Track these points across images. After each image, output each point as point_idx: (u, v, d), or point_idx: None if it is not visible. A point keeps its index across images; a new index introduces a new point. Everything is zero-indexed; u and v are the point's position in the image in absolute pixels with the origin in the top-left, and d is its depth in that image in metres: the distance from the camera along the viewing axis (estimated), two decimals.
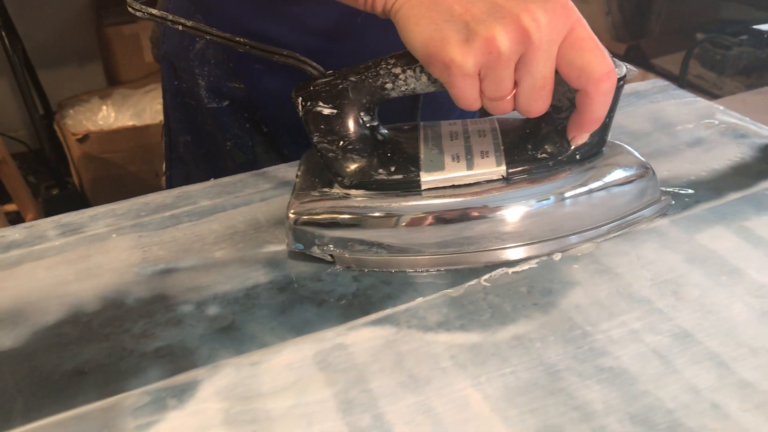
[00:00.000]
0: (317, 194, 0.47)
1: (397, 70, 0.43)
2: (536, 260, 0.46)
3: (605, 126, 0.46)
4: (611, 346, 0.39)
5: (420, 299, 0.44)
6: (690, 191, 0.52)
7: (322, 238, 0.46)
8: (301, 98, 0.46)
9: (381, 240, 0.46)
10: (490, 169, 0.46)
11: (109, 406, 0.37)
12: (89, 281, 0.47)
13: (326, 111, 0.45)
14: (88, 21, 2.66)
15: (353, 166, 0.47)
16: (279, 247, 0.49)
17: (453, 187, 0.46)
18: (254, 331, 0.42)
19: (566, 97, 0.44)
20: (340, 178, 0.47)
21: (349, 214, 0.46)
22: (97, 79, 2.71)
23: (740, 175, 0.54)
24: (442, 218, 0.45)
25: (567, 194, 0.45)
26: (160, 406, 0.37)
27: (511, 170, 0.46)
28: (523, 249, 0.46)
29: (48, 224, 0.53)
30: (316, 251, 0.46)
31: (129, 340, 0.42)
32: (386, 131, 0.48)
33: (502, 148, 0.47)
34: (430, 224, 0.45)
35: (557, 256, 0.46)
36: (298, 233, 0.46)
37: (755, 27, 0.75)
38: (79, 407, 0.37)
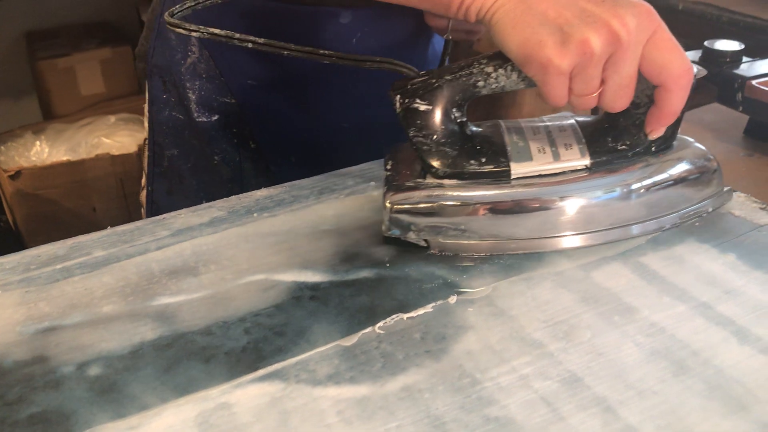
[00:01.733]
0: (412, 184, 0.51)
1: (489, 69, 0.48)
2: (431, 305, 0.45)
3: (678, 120, 0.50)
4: (499, 393, 0.38)
5: (312, 351, 0.42)
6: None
7: (418, 225, 0.50)
8: (399, 96, 0.50)
9: (474, 226, 0.49)
10: (575, 159, 0.50)
11: None
12: None
13: (422, 107, 0.50)
14: (21, 54, 2.60)
15: (446, 158, 0.51)
16: (171, 299, 0.47)
17: (540, 176, 0.50)
18: (136, 392, 0.40)
19: (645, 94, 0.48)
20: (434, 169, 0.51)
21: (444, 201, 0.49)
22: (32, 114, 2.65)
23: None
24: (532, 206, 0.49)
25: (647, 183, 0.49)
26: None
27: (594, 161, 0.50)
28: (605, 234, 0.49)
29: None
30: (411, 236, 0.50)
31: (2, 408, 0.39)
32: (473, 127, 0.52)
33: (584, 140, 0.50)
34: (521, 211, 0.49)
35: (452, 299, 0.46)
36: (394, 220, 0.50)
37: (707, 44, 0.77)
38: None
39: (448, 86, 0.49)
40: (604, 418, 0.37)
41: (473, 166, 0.50)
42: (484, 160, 0.50)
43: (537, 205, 0.49)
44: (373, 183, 0.60)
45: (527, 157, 0.50)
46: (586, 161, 0.50)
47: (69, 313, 0.46)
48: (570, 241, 0.49)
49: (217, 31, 0.49)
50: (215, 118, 0.71)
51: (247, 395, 0.39)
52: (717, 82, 0.69)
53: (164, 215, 0.57)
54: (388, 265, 0.50)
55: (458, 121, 0.51)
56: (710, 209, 0.52)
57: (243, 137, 0.72)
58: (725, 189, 0.53)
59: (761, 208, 0.53)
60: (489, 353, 0.41)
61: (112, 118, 2.40)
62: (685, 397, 0.38)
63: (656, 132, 0.50)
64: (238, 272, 0.50)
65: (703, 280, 0.46)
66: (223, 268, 0.50)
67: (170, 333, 0.44)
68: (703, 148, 0.52)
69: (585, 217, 0.49)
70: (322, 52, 0.49)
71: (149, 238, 0.54)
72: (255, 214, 0.56)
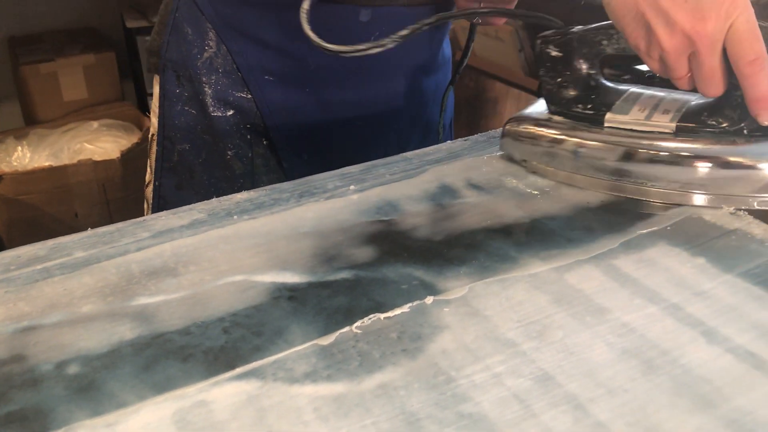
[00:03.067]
0: (528, 114, 0.62)
1: (613, 31, 0.56)
2: (408, 305, 0.46)
3: None
4: (473, 391, 0.39)
5: (289, 350, 0.43)
6: (563, 228, 0.53)
7: (520, 147, 0.62)
8: (539, 41, 0.60)
9: (562, 157, 0.59)
10: (663, 123, 0.56)
11: None
12: None
13: (554, 53, 0.60)
14: (4, 59, 2.59)
15: (561, 98, 0.60)
16: (150, 300, 0.48)
17: (628, 130, 0.57)
18: (114, 390, 0.40)
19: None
20: (549, 106, 0.62)
21: (546, 129, 0.60)
22: (14, 119, 2.64)
23: (611, 213, 0.55)
24: (610, 151, 0.57)
25: (717, 156, 0.53)
26: None
27: (679, 125, 0.55)
28: (670, 194, 0.55)
29: None
30: (516, 156, 0.62)
31: None
32: (603, 80, 0.60)
33: (683, 110, 0.56)
34: (602, 154, 0.57)
35: (429, 300, 0.46)
36: (504, 142, 0.63)
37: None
38: None
39: (578, 40, 0.58)
40: (575, 415, 0.37)
41: (578, 109, 0.59)
42: (589, 106, 0.59)
43: (612, 152, 0.56)
44: (352, 187, 0.61)
45: (625, 112, 0.57)
46: (672, 126, 0.55)
47: (48, 313, 0.47)
48: (637, 190, 0.56)
49: (361, 46, 0.59)
50: (230, 113, 0.73)
51: (224, 393, 0.40)
52: None
53: (144, 218, 0.57)
54: (366, 266, 0.50)
55: (584, 72, 0.59)
56: None
57: (257, 133, 0.74)
58: None
59: (731, 214, 0.54)
60: (464, 352, 0.42)
61: (95, 124, 2.39)
62: (654, 394, 0.38)
63: (761, 117, 0.52)
64: (217, 273, 0.50)
65: (674, 283, 0.47)
66: (203, 270, 0.51)
67: (149, 333, 0.45)
68: None
69: (652, 172, 0.55)
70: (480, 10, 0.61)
71: (129, 240, 0.54)
72: (235, 217, 0.57)
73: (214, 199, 0.60)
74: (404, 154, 0.66)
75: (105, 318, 0.46)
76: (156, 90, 0.77)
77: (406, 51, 0.73)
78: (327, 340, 0.43)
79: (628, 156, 0.56)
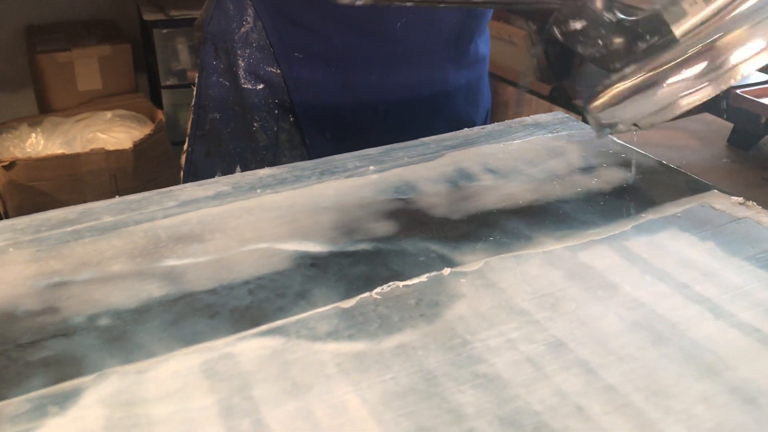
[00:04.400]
0: (600, 88, 0.52)
1: None
2: (426, 275, 0.48)
3: None
4: (488, 353, 0.41)
5: (312, 311, 0.45)
6: (579, 212, 0.55)
7: (624, 115, 0.51)
8: (554, 27, 0.53)
9: (675, 88, 0.49)
10: None
11: None
12: None
13: (579, 25, 0.52)
14: (20, 47, 2.62)
15: (618, 54, 0.51)
16: (177, 262, 0.49)
17: (703, 23, 0.48)
18: (143, 342, 0.42)
19: None
20: (612, 66, 0.52)
21: (643, 75, 0.49)
22: (28, 107, 2.66)
23: (624, 199, 0.57)
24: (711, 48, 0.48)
25: None
26: (41, 413, 0.37)
27: None
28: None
29: None
30: (621, 128, 0.52)
31: (15, 350, 0.41)
32: (623, 15, 0.52)
33: None
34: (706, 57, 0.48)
35: (446, 271, 0.48)
36: (600, 121, 0.52)
37: None
38: None
39: None
40: (586, 378, 0.39)
41: (643, 45, 0.51)
42: (648, 37, 0.51)
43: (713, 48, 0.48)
44: (372, 167, 0.62)
45: (680, 14, 0.49)
46: None
47: (79, 270, 0.49)
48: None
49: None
50: (260, 86, 0.76)
51: (250, 347, 0.42)
52: None
53: (170, 188, 0.59)
54: (385, 239, 0.52)
55: (611, 21, 0.52)
56: None
57: (283, 108, 0.76)
58: None
59: (740, 204, 0.56)
60: (479, 319, 0.44)
61: (108, 114, 2.41)
62: (662, 363, 0.40)
63: None
64: (242, 241, 0.52)
65: (683, 264, 0.49)
66: (228, 237, 0.52)
67: (176, 291, 0.47)
68: None
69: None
70: None
71: (156, 207, 0.56)
72: (258, 191, 0.59)
73: (238, 174, 0.61)
74: (422, 139, 0.68)
75: (134, 277, 0.48)
76: (198, 62, 0.81)
77: (430, 42, 0.75)
78: (348, 304, 0.45)
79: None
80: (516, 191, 0.58)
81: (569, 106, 1.85)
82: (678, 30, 0.50)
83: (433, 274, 0.48)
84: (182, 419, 0.37)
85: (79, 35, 2.56)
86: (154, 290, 0.47)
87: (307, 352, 0.41)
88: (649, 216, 0.54)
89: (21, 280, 0.48)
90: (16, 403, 0.38)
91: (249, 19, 0.75)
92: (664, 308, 0.44)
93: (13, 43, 2.62)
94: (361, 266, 0.49)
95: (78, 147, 2.30)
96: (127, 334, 0.43)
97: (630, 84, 0.50)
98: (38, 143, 2.32)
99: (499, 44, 1.99)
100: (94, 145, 2.31)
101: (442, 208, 0.56)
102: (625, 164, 0.63)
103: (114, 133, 2.37)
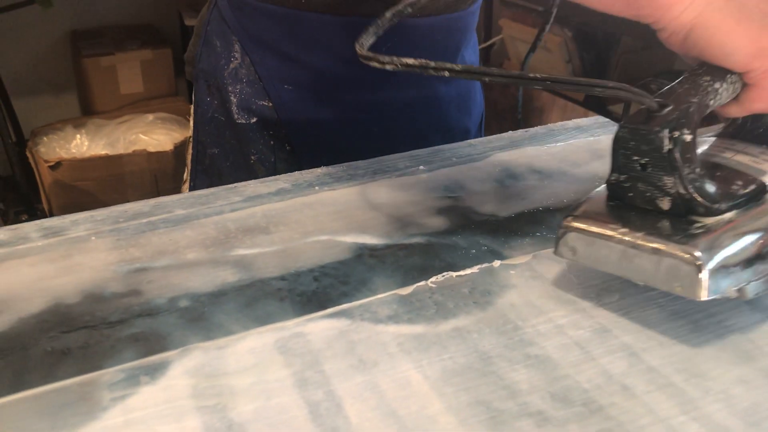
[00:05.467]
0: (697, 231, 0.43)
1: (717, 86, 0.45)
2: (477, 267, 0.51)
3: None
4: (538, 337, 0.44)
5: (373, 297, 0.48)
6: None
7: (737, 275, 0.43)
8: (667, 130, 0.43)
9: None
10: None
11: (86, 382, 0.41)
12: (69, 277, 0.51)
13: (688, 138, 0.43)
14: (65, 51, 2.70)
15: (718, 189, 0.45)
16: (247, 251, 0.54)
17: None
18: (221, 321, 0.46)
19: None
20: (716, 205, 0.44)
21: (757, 236, 0.44)
22: (71, 109, 2.74)
23: None
24: None
25: None
26: (134, 382, 0.41)
27: None
28: None
29: (31, 227, 0.57)
30: (732, 292, 0.43)
31: (106, 327, 0.46)
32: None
33: (763, 146, 0.50)
34: None
35: (496, 264, 0.51)
36: (716, 280, 0.42)
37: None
38: (59, 381, 0.41)
39: (697, 111, 0.44)
40: (630, 360, 0.42)
41: (740, 190, 0.46)
42: (740, 183, 0.46)
43: None
44: (422, 167, 0.66)
45: (760, 171, 0.47)
46: None
47: (157, 258, 0.53)
48: None
49: (411, 61, 0.44)
50: (253, 120, 0.76)
51: (318, 328, 0.45)
52: None
53: (235, 184, 0.63)
54: (437, 234, 0.56)
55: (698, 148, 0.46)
56: None
57: (279, 139, 0.77)
58: None
59: None
60: (529, 307, 0.47)
61: (150, 117, 2.48)
62: (701, 348, 0.43)
63: None
64: (305, 233, 0.56)
65: None
66: (291, 229, 0.56)
67: (248, 277, 0.51)
68: None
69: None
70: (531, 76, 0.42)
71: (224, 202, 0.60)
72: (316, 188, 0.63)
73: (297, 172, 0.65)
74: (469, 141, 0.72)
75: (208, 264, 0.52)
76: (193, 97, 0.83)
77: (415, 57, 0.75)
78: (406, 291, 0.49)
79: None
80: (560, 190, 0.61)
81: (604, 111, 1.87)
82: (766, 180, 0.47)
83: (484, 265, 0.51)
84: (261, 389, 0.41)
85: (122, 40, 2.63)
86: (228, 276, 0.51)
87: (370, 332, 0.45)
88: None
89: (105, 265, 0.52)
90: (111, 373, 0.42)
91: (236, 54, 0.76)
92: (703, 300, 0.47)
93: (58, 48, 2.70)
94: (416, 257, 0.53)
95: (121, 148, 2.37)
96: (205, 315, 0.47)
97: (751, 248, 0.43)
98: (83, 144, 2.39)
99: None
100: (136, 147, 2.38)
101: (490, 205, 0.60)
102: None
103: (155, 135, 2.43)
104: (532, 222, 0.57)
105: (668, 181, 0.44)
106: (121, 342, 0.44)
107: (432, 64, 0.43)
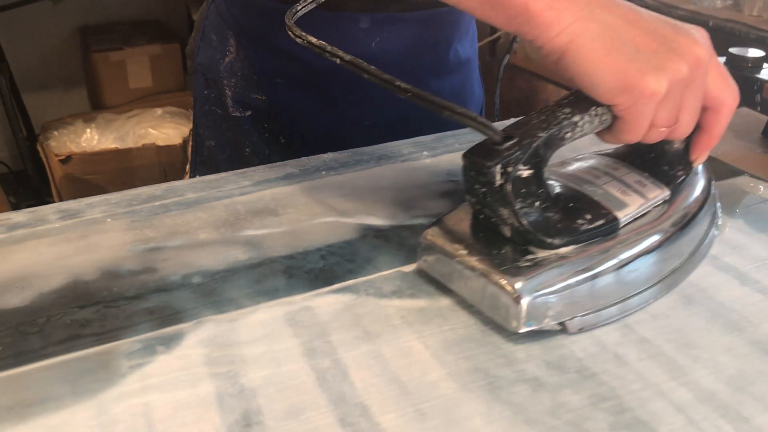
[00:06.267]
0: (527, 264, 0.44)
1: (576, 119, 0.44)
2: None
3: None
4: None
5: (377, 274, 0.50)
6: None
7: (555, 308, 0.43)
8: (499, 165, 0.43)
9: (611, 289, 0.45)
10: (659, 194, 0.49)
11: (105, 351, 0.44)
12: (87, 256, 0.53)
13: (525, 173, 0.43)
14: (75, 47, 2.72)
15: (556, 225, 0.45)
16: (256, 232, 0.56)
17: (637, 219, 0.47)
18: (232, 296, 0.48)
19: None
20: (549, 240, 0.45)
21: (580, 272, 0.44)
22: (81, 104, 2.77)
23: None
24: (657, 248, 0.47)
25: (710, 198, 0.51)
26: (151, 351, 0.44)
27: (672, 191, 0.49)
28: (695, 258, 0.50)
29: (48, 210, 0.59)
30: (549, 324, 0.43)
31: (123, 302, 0.48)
32: (554, 184, 0.49)
33: (646, 174, 0.50)
34: (650, 257, 0.46)
35: None
36: (527, 311, 0.42)
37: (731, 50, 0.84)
38: (79, 351, 0.44)
39: (544, 145, 0.43)
40: (623, 332, 0.44)
41: (585, 226, 0.46)
42: (589, 216, 0.46)
43: (664, 245, 0.47)
44: (425, 152, 0.68)
45: (621, 203, 0.48)
46: (666, 193, 0.49)
47: (170, 238, 0.55)
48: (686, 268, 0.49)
49: (313, 40, 0.48)
50: (248, 113, 0.78)
51: (325, 302, 0.48)
52: (739, 86, 0.76)
53: (244, 170, 0.66)
54: (440, 215, 0.57)
55: (547, 181, 0.46)
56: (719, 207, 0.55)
57: (273, 132, 0.78)
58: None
59: None
60: None
61: (159, 111, 2.51)
62: (691, 320, 0.45)
63: (702, 158, 0.50)
64: (312, 215, 0.58)
65: (715, 239, 0.54)
66: (299, 211, 0.58)
67: (258, 256, 0.53)
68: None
69: (689, 244, 0.49)
70: (398, 83, 0.45)
71: (233, 186, 0.63)
72: (323, 172, 0.65)
73: (304, 158, 0.68)
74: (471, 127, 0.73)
75: (219, 244, 0.54)
76: (193, 91, 0.85)
77: (407, 53, 0.75)
78: (409, 268, 0.51)
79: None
80: None
81: None
82: (621, 218, 0.47)
83: None
84: (271, 358, 0.43)
85: (131, 35, 2.66)
86: (239, 255, 0.53)
87: (374, 306, 0.47)
88: None
89: (121, 245, 0.54)
90: (129, 343, 0.44)
91: (232, 49, 0.77)
92: (694, 275, 0.49)
93: (68, 43, 2.73)
94: (419, 237, 0.54)
95: (130, 142, 2.40)
96: (217, 290, 0.49)
97: (569, 282, 0.44)
98: (92, 138, 2.42)
99: None
100: (146, 141, 2.41)
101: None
102: None
103: (164, 129, 2.46)
104: None
105: (503, 212, 0.44)
106: (137, 315, 0.47)
107: (328, 48, 0.46)
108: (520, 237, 0.45)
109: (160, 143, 2.40)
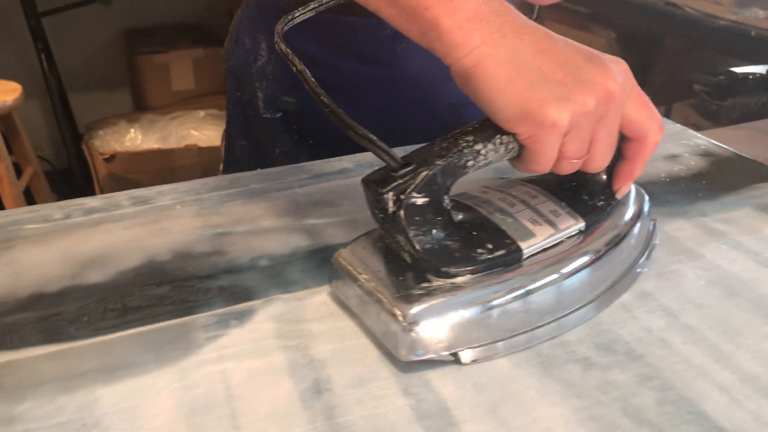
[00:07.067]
0: (421, 292, 0.43)
1: (479, 147, 0.42)
2: None
3: None
4: None
5: None
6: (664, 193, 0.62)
7: (446, 338, 0.42)
8: (392, 192, 0.42)
9: (507, 321, 0.44)
10: (572, 225, 0.47)
11: (183, 323, 0.47)
12: (160, 239, 0.57)
13: (420, 201, 0.42)
14: (120, 49, 2.80)
15: (454, 253, 0.44)
16: (316, 221, 0.59)
17: (545, 250, 0.46)
18: (297, 278, 0.52)
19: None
20: (444, 269, 0.44)
21: (473, 303, 0.43)
22: (124, 105, 2.84)
23: (704, 182, 0.64)
24: (558, 281, 0.45)
25: (636, 231, 0.50)
26: (225, 324, 0.47)
27: (587, 222, 0.48)
28: (615, 290, 0.49)
29: (121, 196, 0.63)
30: (440, 353, 0.43)
31: (196, 280, 0.52)
32: (458, 212, 0.48)
33: (564, 203, 0.49)
34: (549, 290, 0.45)
35: None
36: (416, 340, 0.42)
37: (732, 69, 0.85)
38: (159, 323, 0.47)
39: (441, 173, 0.42)
40: (668, 319, 0.47)
41: (484, 255, 0.44)
42: (490, 246, 0.45)
43: (566, 279, 0.45)
44: None
45: (528, 233, 0.46)
46: (581, 224, 0.48)
47: (237, 224, 0.59)
48: (581, 313, 0.47)
49: (284, 48, 0.50)
50: (278, 115, 0.81)
51: None
52: None
53: (302, 164, 0.69)
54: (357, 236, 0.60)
55: (448, 208, 0.45)
56: (656, 241, 0.54)
57: (302, 134, 0.81)
58: (653, 219, 0.55)
59: None
60: None
61: (201, 113, 2.57)
62: (733, 310, 0.48)
63: (625, 188, 0.49)
64: (366, 207, 0.61)
65: (756, 237, 0.56)
66: (356, 203, 0.62)
67: (318, 243, 0.56)
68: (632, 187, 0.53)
69: (601, 277, 0.48)
70: (324, 98, 0.46)
71: (293, 179, 0.66)
72: (377, 167, 0.68)
73: (358, 154, 0.71)
74: None
75: (282, 231, 0.58)
76: (226, 93, 0.88)
77: (425, 60, 0.75)
78: None
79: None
80: None
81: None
82: (525, 248, 0.45)
83: None
84: (336, 334, 0.46)
85: (174, 38, 2.72)
86: (301, 241, 0.56)
87: None
88: (725, 197, 0.61)
89: (191, 230, 0.58)
90: (204, 317, 0.48)
91: (263, 53, 0.80)
92: (736, 270, 0.52)
93: (114, 46, 2.81)
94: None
95: (173, 143, 2.46)
96: (283, 272, 0.52)
97: (460, 311, 0.43)
98: (136, 138, 2.49)
99: None
100: (188, 142, 2.46)
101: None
102: (705, 154, 0.70)
103: (206, 131, 2.52)
104: None
105: (399, 239, 0.44)
106: (210, 292, 0.50)
107: (297, 64, 0.48)
108: (418, 264, 0.45)
109: (202, 144, 2.45)
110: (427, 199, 0.43)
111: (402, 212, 0.42)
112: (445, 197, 0.44)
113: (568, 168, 0.44)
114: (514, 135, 0.42)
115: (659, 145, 0.67)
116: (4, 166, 1.98)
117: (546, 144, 0.41)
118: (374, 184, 0.43)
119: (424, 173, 0.42)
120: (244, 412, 0.40)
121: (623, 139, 0.46)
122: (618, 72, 0.42)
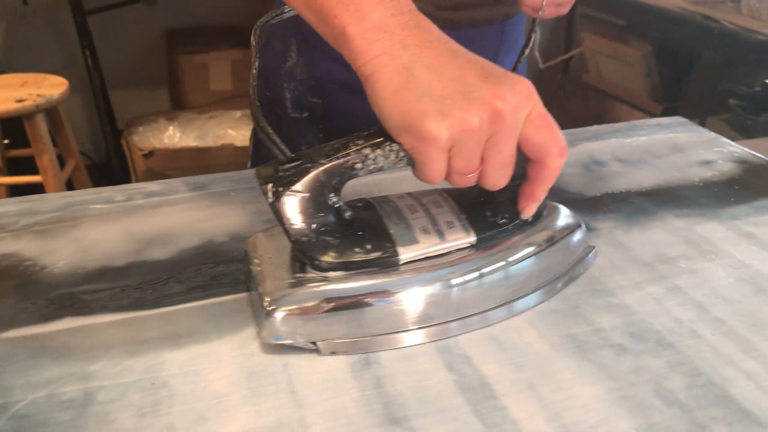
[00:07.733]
0: (292, 281, 0.46)
1: (367, 151, 0.44)
2: None
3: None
4: (619, 290, 0.51)
5: None
6: (697, 195, 0.65)
7: (305, 327, 0.45)
8: (271, 184, 0.45)
9: (370, 320, 0.46)
10: (461, 238, 0.48)
11: (240, 299, 0.51)
12: (217, 222, 0.60)
13: (300, 195, 0.45)
14: (161, 48, 2.86)
15: (329, 249, 0.46)
16: None
17: (427, 258, 0.47)
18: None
19: (520, 166, 0.46)
20: (316, 262, 0.46)
21: (333, 297, 0.45)
22: (162, 103, 2.91)
23: (736, 188, 0.66)
24: (427, 290, 0.46)
25: (533, 253, 0.50)
26: None
27: (479, 237, 0.48)
28: (501, 310, 0.49)
29: (177, 182, 0.67)
30: (298, 341, 0.45)
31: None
32: (349, 211, 0.49)
33: (464, 217, 0.49)
34: (417, 297, 0.46)
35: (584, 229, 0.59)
36: (277, 324, 0.45)
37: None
38: (218, 297, 0.51)
39: (324, 172, 0.45)
40: (698, 312, 0.49)
41: (359, 255, 0.46)
42: (369, 247, 0.47)
43: (432, 289, 0.46)
44: None
45: (413, 240, 0.47)
46: (472, 238, 0.48)
47: None
48: (469, 323, 0.48)
49: (269, 130, 0.51)
50: (305, 114, 0.85)
51: None
52: None
53: None
54: None
55: (336, 206, 0.47)
56: (582, 270, 0.54)
57: (327, 133, 0.85)
58: (591, 247, 0.55)
59: None
60: (611, 268, 0.54)
61: (239, 113, 2.61)
62: (761, 306, 0.50)
63: (529, 210, 0.49)
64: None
65: None
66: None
67: None
68: (568, 210, 0.54)
69: (479, 294, 0.48)
70: (262, 125, 0.50)
71: None
72: None
73: None
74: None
75: None
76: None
77: None
78: None
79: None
80: (642, 177, 0.68)
81: None
82: (403, 254, 0.47)
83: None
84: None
85: (214, 39, 2.77)
86: None
87: None
88: (757, 202, 0.64)
89: (245, 214, 0.62)
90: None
91: (293, 55, 0.83)
92: (766, 268, 0.54)
93: (155, 45, 2.87)
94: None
95: (210, 141, 2.51)
96: None
97: (317, 303, 0.45)
98: (174, 135, 2.54)
99: (611, 62, 2.07)
100: (224, 141, 2.51)
101: (578, 185, 0.67)
102: (738, 161, 0.72)
103: (242, 131, 2.56)
104: (615, 201, 0.64)
105: (281, 228, 0.46)
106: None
107: (269, 133, 0.50)
108: (298, 254, 0.47)
109: (238, 144, 2.50)
110: (308, 195, 0.45)
111: (279, 204, 0.45)
112: (332, 195, 0.46)
113: (459, 182, 0.44)
114: (401, 144, 0.44)
115: (693, 152, 0.69)
116: (49, 158, 2.04)
117: (430, 156, 0.42)
118: (260, 174, 0.47)
119: (307, 170, 0.45)
120: (300, 379, 0.43)
121: (526, 161, 0.46)
122: (513, 93, 0.42)
